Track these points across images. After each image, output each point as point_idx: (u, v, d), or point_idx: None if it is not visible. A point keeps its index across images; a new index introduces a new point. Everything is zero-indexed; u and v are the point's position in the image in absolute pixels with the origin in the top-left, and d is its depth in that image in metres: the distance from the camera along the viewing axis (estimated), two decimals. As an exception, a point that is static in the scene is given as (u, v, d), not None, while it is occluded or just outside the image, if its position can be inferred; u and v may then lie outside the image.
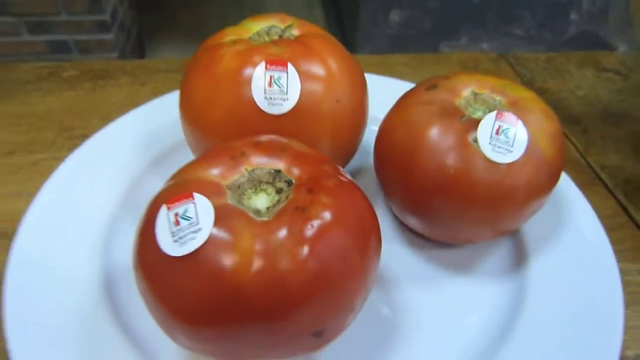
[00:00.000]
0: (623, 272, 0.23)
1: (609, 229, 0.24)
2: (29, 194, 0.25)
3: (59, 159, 0.26)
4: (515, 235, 0.25)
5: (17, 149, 0.30)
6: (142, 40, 2.21)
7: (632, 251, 0.26)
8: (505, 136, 0.20)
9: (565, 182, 0.26)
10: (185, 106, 0.23)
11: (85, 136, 0.28)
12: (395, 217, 0.26)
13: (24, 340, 0.19)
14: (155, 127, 0.29)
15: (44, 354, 0.19)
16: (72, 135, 0.31)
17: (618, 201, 0.29)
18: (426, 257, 0.25)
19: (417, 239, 0.25)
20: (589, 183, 0.30)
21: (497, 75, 0.24)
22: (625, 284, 0.22)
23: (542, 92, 0.37)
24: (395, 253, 0.25)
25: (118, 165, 0.27)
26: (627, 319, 0.21)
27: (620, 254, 0.24)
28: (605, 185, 0.30)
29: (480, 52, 0.45)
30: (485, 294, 0.23)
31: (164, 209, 0.16)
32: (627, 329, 0.21)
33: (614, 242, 0.24)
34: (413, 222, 0.24)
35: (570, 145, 0.33)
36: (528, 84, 0.38)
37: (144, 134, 0.28)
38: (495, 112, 0.21)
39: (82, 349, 0.19)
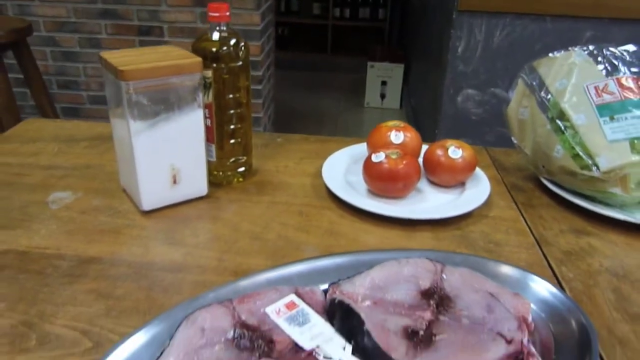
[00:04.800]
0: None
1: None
2: (318, 166, 0.85)
3: (321, 161, 0.87)
4: (462, 185, 0.81)
5: (306, 156, 0.92)
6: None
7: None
8: (455, 151, 0.78)
9: (479, 172, 0.83)
10: (370, 140, 0.84)
11: (324, 158, 0.89)
12: (425, 177, 0.84)
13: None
14: (356, 151, 0.90)
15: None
16: (314, 156, 0.92)
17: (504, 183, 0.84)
18: (431, 186, 0.82)
19: (432, 184, 0.83)
20: (495, 180, 0.86)
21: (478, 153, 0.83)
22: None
23: (494, 159, 0.94)
24: (423, 184, 0.82)
25: (344, 160, 0.87)
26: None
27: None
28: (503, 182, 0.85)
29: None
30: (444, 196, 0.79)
31: (374, 154, 0.76)
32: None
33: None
34: (431, 177, 0.82)
35: (497, 172, 0.89)
36: (490, 157, 0.95)
37: (351, 153, 0.89)
38: (454, 146, 0.79)
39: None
